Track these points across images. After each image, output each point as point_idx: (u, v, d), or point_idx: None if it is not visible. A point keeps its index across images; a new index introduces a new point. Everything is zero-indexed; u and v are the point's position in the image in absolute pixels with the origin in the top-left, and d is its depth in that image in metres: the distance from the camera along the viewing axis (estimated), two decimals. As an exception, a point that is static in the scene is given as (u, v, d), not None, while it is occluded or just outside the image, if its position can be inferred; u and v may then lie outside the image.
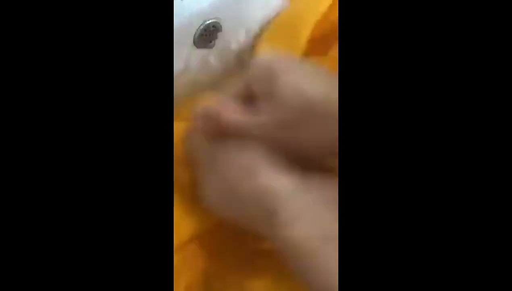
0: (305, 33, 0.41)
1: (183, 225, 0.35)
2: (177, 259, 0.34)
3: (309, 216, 0.28)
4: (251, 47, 0.47)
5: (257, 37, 0.46)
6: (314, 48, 0.42)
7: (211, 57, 0.45)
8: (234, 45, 0.45)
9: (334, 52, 0.42)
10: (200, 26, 0.41)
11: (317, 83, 0.31)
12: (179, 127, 0.41)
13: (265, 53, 0.34)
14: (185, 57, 0.43)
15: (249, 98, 0.33)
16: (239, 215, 0.32)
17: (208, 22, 0.41)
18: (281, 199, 0.29)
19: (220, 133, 0.32)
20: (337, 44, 0.41)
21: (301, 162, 0.31)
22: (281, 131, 0.30)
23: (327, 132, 0.29)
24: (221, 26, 0.43)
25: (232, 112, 0.32)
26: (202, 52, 0.43)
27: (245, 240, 0.37)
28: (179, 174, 0.36)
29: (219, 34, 0.43)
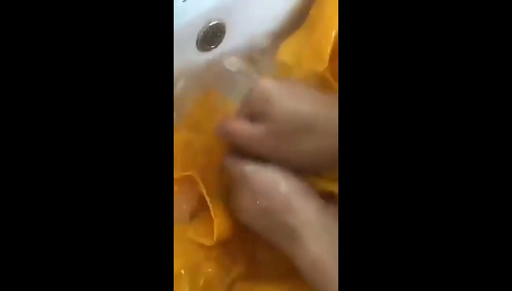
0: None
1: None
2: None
3: (326, 237, 0.33)
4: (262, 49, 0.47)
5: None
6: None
7: (214, 59, 0.45)
8: (238, 47, 0.45)
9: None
10: (203, 28, 0.41)
11: (305, 101, 0.36)
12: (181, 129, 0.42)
13: (263, 80, 0.38)
14: (188, 59, 0.42)
15: (250, 119, 0.38)
16: (265, 229, 0.36)
17: (211, 24, 0.41)
18: (302, 219, 0.34)
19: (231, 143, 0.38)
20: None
21: (298, 171, 0.36)
22: (275, 141, 0.35)
23: (317, 144, 0.34)
24: (224, 28, 0.42)
25: (236, 128, 0.37)
26: (206, 54, 0.43)
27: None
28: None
29: (222, 36, 0.43)
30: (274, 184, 0.35)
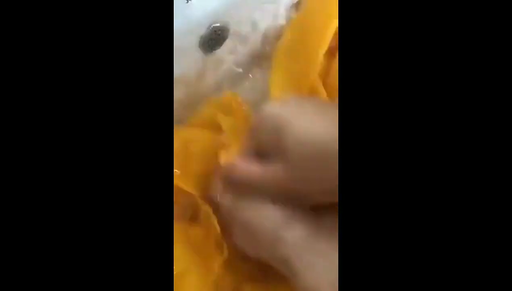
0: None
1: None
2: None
3: (320, 263, 0.31)
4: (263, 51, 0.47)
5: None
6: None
7: (218, 61, 0.44)
8: (242, 49, 0.44)
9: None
10: (206, 31, 0.40)
11: (323, 126, 0.30)
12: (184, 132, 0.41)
13: (269, 105, 0.34)
14: (190, 61, 0.42)
15: (260, 153, 0.34)
16: (262, 257, 0.35)
17: (214, 26, 0.40)
18: (292, 248, 0.32)
19: (240, 189, 0.35)
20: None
21: (314, 206, 0.33)
22: (292, 182, 0.32)
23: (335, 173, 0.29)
24: (228, 30, 0.41)
25: (244, 170, 0.34)
26: (209, 56, 0.43)
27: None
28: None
29: (226, 38, 0.42)
30: (261, 217, 0.33)
